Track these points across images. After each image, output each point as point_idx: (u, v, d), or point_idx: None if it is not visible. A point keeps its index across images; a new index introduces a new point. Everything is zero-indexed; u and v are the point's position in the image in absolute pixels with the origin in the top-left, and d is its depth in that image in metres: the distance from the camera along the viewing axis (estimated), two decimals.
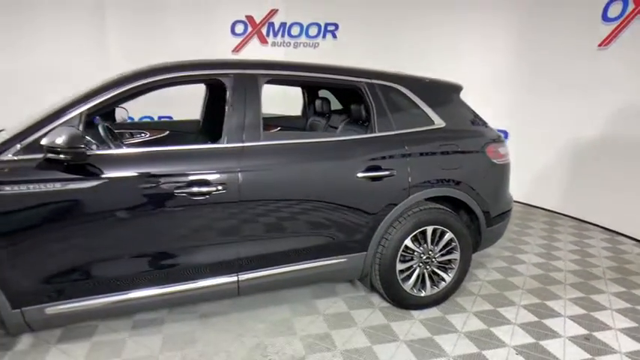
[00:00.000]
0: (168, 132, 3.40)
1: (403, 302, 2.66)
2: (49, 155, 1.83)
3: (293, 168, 2.30)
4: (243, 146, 2.19)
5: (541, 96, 4.97)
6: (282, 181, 2.26)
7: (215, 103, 3.50)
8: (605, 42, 4.31)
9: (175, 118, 4.94)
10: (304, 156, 2.34)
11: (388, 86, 2.60)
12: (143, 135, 3.24)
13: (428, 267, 2.67)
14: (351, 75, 2.55)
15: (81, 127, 1.95)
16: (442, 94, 2.80)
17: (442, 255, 2.68)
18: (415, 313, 2.68)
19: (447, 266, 2.72)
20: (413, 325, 2.56)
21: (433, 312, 2.70)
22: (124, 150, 2.11)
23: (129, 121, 3.31)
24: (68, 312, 2.00)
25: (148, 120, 5.73)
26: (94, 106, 2.02)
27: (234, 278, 2.24)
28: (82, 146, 1.81)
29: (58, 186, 1.87)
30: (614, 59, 4.25)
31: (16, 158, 1.87)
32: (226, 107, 2.23)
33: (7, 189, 1.81)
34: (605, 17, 4.32)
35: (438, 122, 2.68)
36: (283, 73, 2.47)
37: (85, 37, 5.64)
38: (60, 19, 5.45)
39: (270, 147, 2.28)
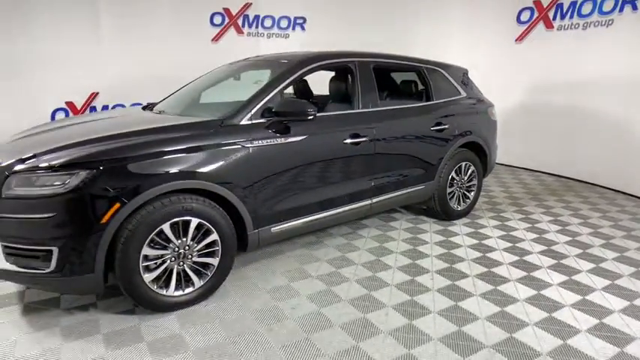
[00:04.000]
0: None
1: (449, 214, 3.99)
2: (280, 118, 2.65)
3: (400, 123, 3.41)
4: (372, 110, 3.24)
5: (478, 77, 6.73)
6: (395, 132, 3.36)
7: None
8: (520, 38, 6.19)
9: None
10: (404, 115, 3.48)
11: (435, 69, 3.86)
12: None
13: (461, 190, 4.04)
14: (416, 62, 3.75)
15: None
16: (461, 74, 4.14)
17: (468, 182, 4.08)
18: (456, 221, 4.04)
19: (470, 189, 4.13)
20: (461, 227, 3.90)
21: (466, 220, 4.09)
22: (327, 112, 3.01)
23: None
24: (283, 230, 2.84)
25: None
26: (285, 85, 2.86)
27: (369, 201, 3.30)
28: (312, 110, 2.67)
29: (282, 140, 2.70)
30: (526, 50, 6.15)
31: (249, 123, 2.63)
32: (356, 84, 3.23)
33: (257, 143, 2.59)
34: (518, 20, 6.19)
35: (462, 93, 4.03)
36: (381, 60, 3.51)
37: (79, 28, 5.71)
38: (55, 10, 5.44)
39: (385, 110, 3.35)
